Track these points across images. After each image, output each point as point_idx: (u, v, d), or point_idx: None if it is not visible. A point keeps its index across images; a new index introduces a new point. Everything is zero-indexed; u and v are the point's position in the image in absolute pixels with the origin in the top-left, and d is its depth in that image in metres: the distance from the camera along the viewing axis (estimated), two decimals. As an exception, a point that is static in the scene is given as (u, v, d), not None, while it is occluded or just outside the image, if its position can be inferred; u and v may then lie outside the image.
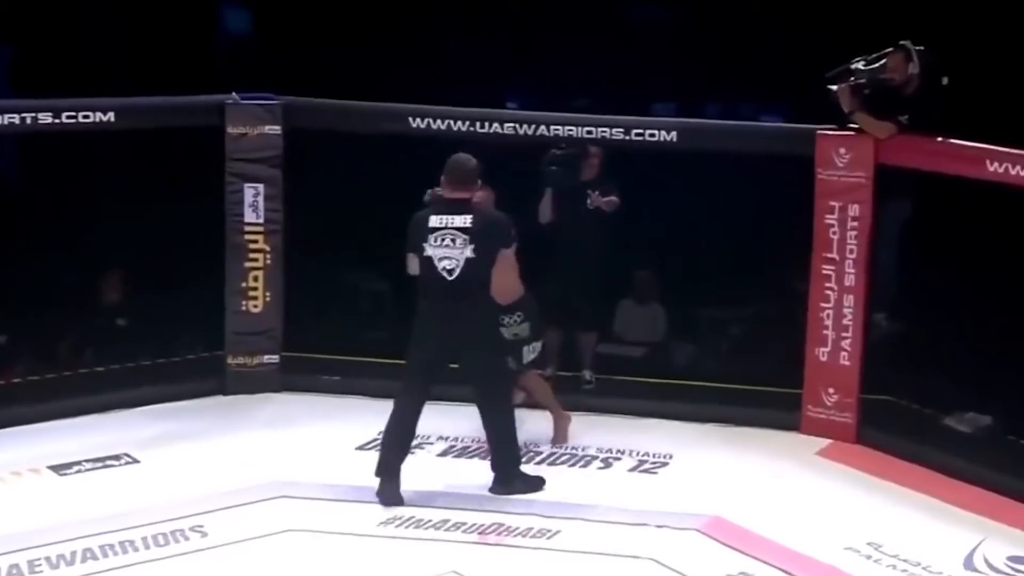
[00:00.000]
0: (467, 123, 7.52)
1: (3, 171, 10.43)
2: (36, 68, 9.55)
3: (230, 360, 7.77)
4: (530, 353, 6.88)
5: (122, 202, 9.61)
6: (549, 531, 6.13)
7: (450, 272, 6.19)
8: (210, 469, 6.68)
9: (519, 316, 6.83)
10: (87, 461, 6.73)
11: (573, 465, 6.94)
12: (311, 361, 7.89)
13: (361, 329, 8.99)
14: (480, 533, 6.13)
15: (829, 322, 7.22)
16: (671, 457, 7.04)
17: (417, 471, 6.51)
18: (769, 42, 9.82)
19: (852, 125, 7.15)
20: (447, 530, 6.13)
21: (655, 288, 9.06)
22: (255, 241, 7.71)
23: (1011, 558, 6.02)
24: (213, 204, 7.76)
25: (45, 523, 6.06)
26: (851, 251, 7.14)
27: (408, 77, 9.67)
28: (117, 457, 6.81)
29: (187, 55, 10.11)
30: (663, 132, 7.38)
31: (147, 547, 5.89)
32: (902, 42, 7.11)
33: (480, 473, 6.63)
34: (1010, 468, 6.69)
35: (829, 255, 7.20)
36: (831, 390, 7.27)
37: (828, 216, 7.19)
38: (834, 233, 7.17)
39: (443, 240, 6.19)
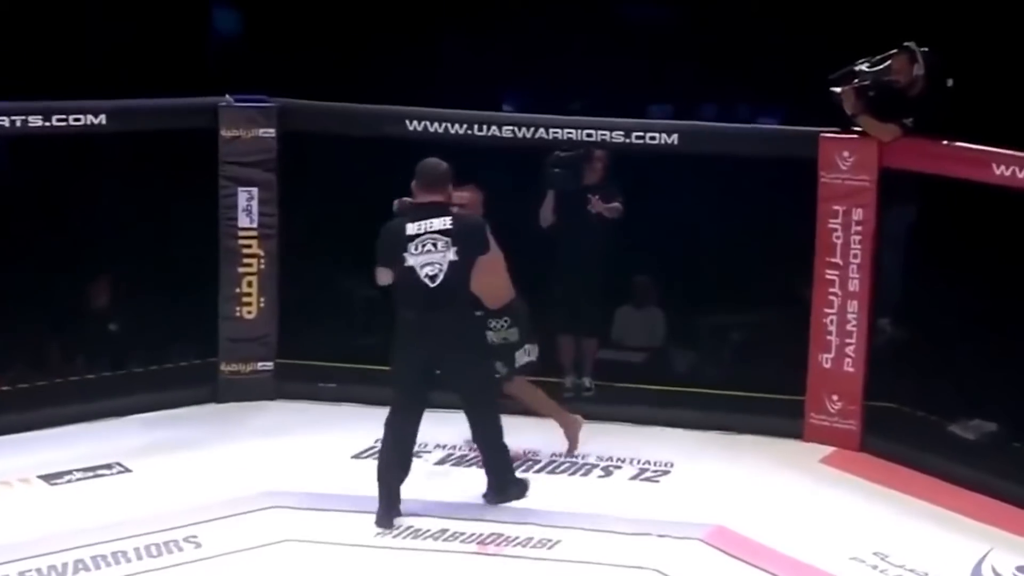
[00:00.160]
0: (465, 126, 7.51)
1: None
2: (24, 70, 9.52)
3: (223, 367, 7.75)
4: (524, 356, 6.82)
5: (113, 205, 9.59)
6: (549, 541, 6.11)
7: (432, 279, 6.10)
8: (204, 478, 6.66)
9: (506, 321, 6.75)
10: (78, 470, 6.71)
11: (573, 474, 6.93)
12: (306, 368, 7.87)
13: (357, 336, 8.97)
14: (479, 543, 6.11)
15: (833, 328, 7.21)
16: (672, 465, 7.02)
17: (414, 480, 6.46)
18: (766, 43, 9.83)
19: (855, 128, 7.14)
20: (445, 540, 6.11)
21: (653, 293, 9.05)
22: (249, 246, 7.69)
23: (1020, 568, 6.01)
24: (206, 208, 7.74)
25: (36, 534, 6.04)
26: (855, 256, 7.13)
27: (402, 78, 9.65)
28: (109, 466, 6.79)
29: (178, 56, 10.09)
30: (664, 135, 7.38)
31: (140, 558, 5.87)
32: (907, 43, 7.10)
33: (478, 482, 6.60)
34: (1016, 476, 6.68)
35: (832, 260, 7.19)
36: (835, 397, 7.26)
37: (831, 220, 7.18)
38: (837, 237, 7.17)
39: (424, 246, 6.11)
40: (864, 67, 7.11)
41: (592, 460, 7.06)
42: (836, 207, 7.17)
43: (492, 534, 6.16)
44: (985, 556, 6.07)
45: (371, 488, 6.32)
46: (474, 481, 6.63)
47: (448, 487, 6.62)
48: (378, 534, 6.14)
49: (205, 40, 11.12)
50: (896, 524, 6.39)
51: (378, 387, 7.16)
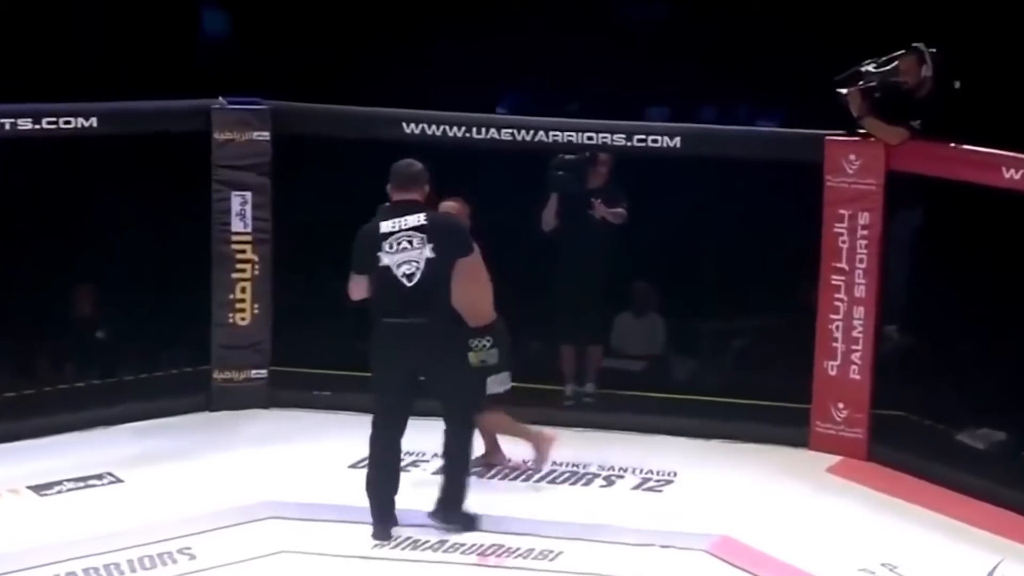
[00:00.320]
0: (463, 128, 7.49)
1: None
2: (13, 72, 9.48)
3: (216, 375, 7.72)
4: (496, 385, 6.60)
5: (102, 210, 9.55)
6: (551, 552, 6.08)
7: (409, 278, 5.94)
8: (197, 488, 6.62)
9: (488, 341, 6.55)
10: (69, 481, 6.67)
11: (575, 483, 6.91)
12: (300, 376, 7.85)
13: (352, 342, 8.92)
14: (479, 555, 6.08)
15: (838, 334, 7.20)
16: (676, 475, 7.00)
17: (413, 490, 6.43)
18: (765, 44, 9.81)
19: (860, 130, 7.12)
20: (445, 551, 6.08)
21: (653, 299, 9.02)
22: (242, 251, 7.67)
23: (1031, 579, 6.00)
24: (199, 212, 7.71)
25: (26, 545, 6.00)
26: (861, 260, 7.12)
27: (395, 80, 9.63)
28: (100, 476, 6.76)
29: (167, 58, 10.05)
30: (666, 138, 7.36)
31: (133, 570, 5.83)
32: (915, 44, 7.08)
33: (479, 491, 6.58)
34: (1026, 486, 6.68)
35: (838, 265, 7.18)
36: (841, 405, 7.24)
37: (837, 224, 7.17)
38: (843, 242, 7.15)
39: (399, 244, 5.97)
40: (870, 68, 7.09)
41: (594, 470, 7.03)
42: (842, 211, 7.15)
43: (492, 545, 6.13)
44: (996, 567, 6.04)
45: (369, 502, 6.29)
46: (474, 490, 6.59)
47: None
48: (375, 546, 6.11)
49: (194, 42, 11.08)
50: (904, 535, 6.37)
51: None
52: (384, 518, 6.18)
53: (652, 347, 9.00)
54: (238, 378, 7.72)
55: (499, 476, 6.95)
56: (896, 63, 7.10)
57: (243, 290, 7.69)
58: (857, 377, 7.18)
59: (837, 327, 7.20)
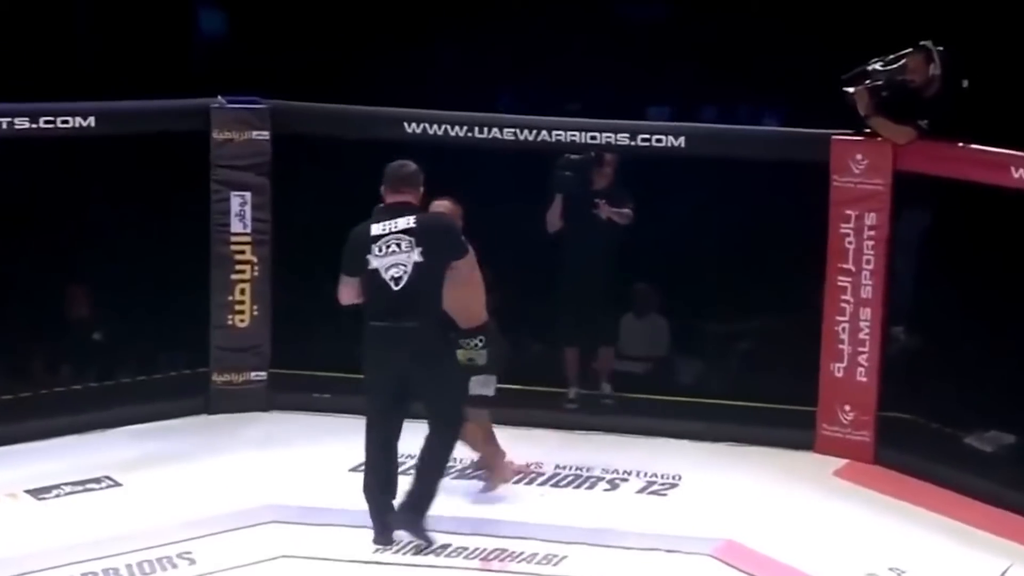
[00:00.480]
0: (465, 128, 7.50)
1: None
2: (9, 72, 9.50)
3: (215, 377, 7.74)
4: (479, 387, 6.49)
5: (99, 210, 9.56)
6: (555, 556, 6.10)
7: (396, 281, 5.90)
8: (197, 492, 6.64)
9: (480, 341, 6.47)
10: (67, 484, 6.69)
11: (579, 487, 6.93)
12: (300, 378, 7.86)
13: (352, 344, 8.92)
14: (483, 559, 6.10)
15: (845, 336, 7.22)
16: (680, 478, 7.02)
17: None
18: (766, 43, 9.82)
19: (866, 129, 7.13)
20: (448, 556, 6.10)
21: (655, 300, 9.04)
22: (242, 252, 7.69)
23: (1040, 583, 6.03)
24: (197, 212, 7.72)
25: (24, 550, 6.01)
26: (868, 262, 7.14)
27: (393, 79, 9.63)
28: (98, 480, 6.77)
29: (163, 57, 10.06)
30: (671, 137, 7.37)
31: (132, 575, 5.84)
32: (922, 42, 7.09)
33: (482, 495, 6.61)
34: (1035, 489, 6.70)
35: (844, 266, 7.20)
36: (847, 407, 7.26)
37: (843, 225, 7.19)
38: (850, 243, 7.17)
39: (388, 247, 5.93)
40: (877, 66, 7.10)
41: (598, 473, 7.06)
42: (848, 211, 7.17)
43: (496, 550, 6.15)
44: (1005, 572, 6.07)
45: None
46: (476, 494, 6.62)
47: (449, 501, 6.55)
48: (377, 550, 6.12)
49: (190, 41, 11.09)
50: (912, 539, 6.38)
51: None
52: (383, 522, 6.19)
53: (655, 349, 9.01)
54: (237, 380, 7.74)
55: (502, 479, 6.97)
56: (903, 61, 7.10)
57: (242, 291, 7.71)
58: (864, 379, 7.20)
59: (843, 329, 7.22)
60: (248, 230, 7.67)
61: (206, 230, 7.70)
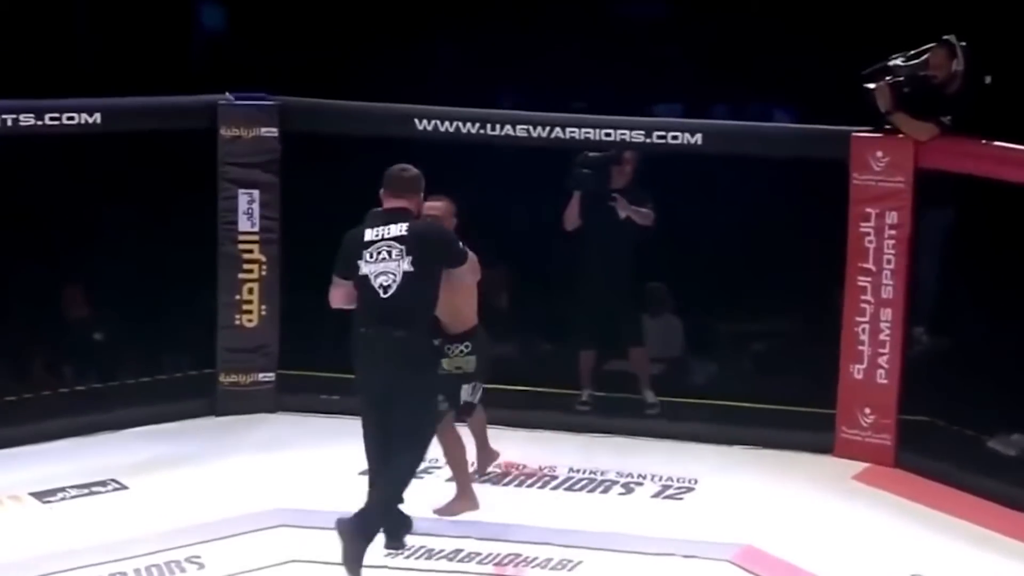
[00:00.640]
0: (477, 125, 7.49)
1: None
2: (10, 70, 9.50)
3: (222, 378, 7.73)
4: (468, 394, 6.42)
5: (101, 208, 9.56)
6: (570, 562, 6.08)
7: (385, 289, 5.78)
8: (204, 496, 6.63)
9: (466, 347, 6.39)
10: (72, 487, 6.69)
11: (592, 491, 6.92)
12: (309, 380, 7.85)
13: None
14: (496, 565, 6.09)
15: (865, 337, 7.20)
16: (696, 482, 7.01)
17: (426, 497, 6.45)
18: (776, 40, 9.81)
19: (888, 126, 7.11)
20: (460, 561, 6.09)
21: (668, 299, 9.02)
22: (250, 251, 7.68)
23: (1066, 590, 6.01)
24: (204, 211, 7.71)
25: (29, 554, 6.01)
26: (888, 261, 7.12)
27: (394, 76, 9.63)
28: (104, 483, 6.77)
29: (163, 54, 10.06)
30: (687, 134, 7.36)
31: (140, 579, 5.86)
32: (945, 37, 7.06)
33: (494, 499, 6.60)
34: (1060, 494, 6.68)
35: (865, 265, 7.18)
36: (867, 410, 7.24)
37: (864, 224, 7.17)
38: (870, 242, 7.16)
39: (379, 253, 5.82)
40: (899, 62, 7.08)
41: (612, 476, 7.05)
42: (869, 210, 7.15)
43: (510, 555, 6.14)
44: (1030, 578, 6.06)
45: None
46: (489, 498, 6.61)
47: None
48: (388, 555, 6.10)
49: (190, 37, 11.09)
50: (933, 544, 6.36)
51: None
52: (393, 526, 6.17)
53: (669, 349, 8.99)
54: (245, 382, 7.74)
55: (515, 483, 6.96)
56: (926, 57, 7.09)
57: (250, 291, 7.70)
58: (884, 381, 7.18)
59: (863, 329, 7.20)
60: (256, 229, 7.67)
61: (208, 229, 7.68)
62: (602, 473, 7.07)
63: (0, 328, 8.48)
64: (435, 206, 6.29)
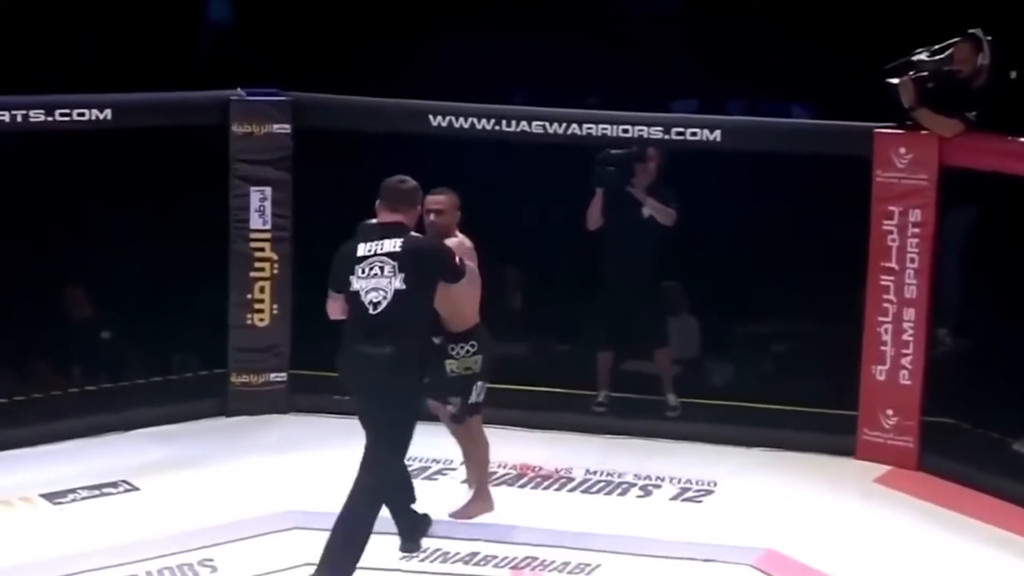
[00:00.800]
0: (492, 121, 7.49)
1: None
2: (16, 66, 9.52)
3: (233, 378, 7.75)
4: (477, 394, 6.35)
5: (109, 205, 9.57)
6: (588, 565, 6.09)
7: (375, 306, 5.72)
8: (216, 497, 6.65)
9: (472, 346, 6.30)
10: (83, 488, 6.71)
11: (610, 493, 6.92)
12: (321, 380, 7.80)
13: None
14: (513, 568, 6.10)
15: (887, 337, 7.20)
16: (716, 484, 7.01)
17: (441, 500, 6.47)
18: (789, 36, 9.81)
19: (911, 122, 7.10)
20: (476, 564, 6.10)
21: (684, 299, 9.02)
22: (261, 249, 7.69)
23: (1091, 595, 6.01)
24: (215, 208, 7.73)
25: (41, 556, 6.03)
26: (912, 260, 7.12)
27: (398, 74, 9.63)
28: (115, 484, 6.79)
29: (170, 49, 10.07)
30: (706, 131, 7.35)
31: (152, 582, 5.88)
32: (971, 30, 7.03)
33: (510, 501, 6.60)
34: (1085, 497, 6.68)
35: (887, 264, 7.17)
36: (889, 412, 7.24)
37: (887, 222, 7.16)
38: (893, 240, 7.15)
39: (371, 269, 5.75)
40: (923, 56, 7.05)
41: (629, 479, 7.05)
42: (891, 208, 7.15)
43: (527, 558, 6.14)
44: (1054, 582, 6.06)
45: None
46: (505, 500, 6.61)
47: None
48: (403, 557, 6.12)
49: (197, 33, 11.11)
50: (957, 548, 6.36)
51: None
52: (408, 529, 6.19)
53: (686, 349, 8.99)
54: (256, 382, 7.75)
55: (531, 485, 6.97)
56: (951, 51, 7.05)
57: (262, 290, 7.71)
58: (907, 383, 7.18)
59: (886, 330, 7.19)
60: (268, 226, 7.68)
61: (217, 226, 7.69)
62: (619, 475, 7.08)
63: (3, 328, 8.49)
64: (438, 200, 6.23)
